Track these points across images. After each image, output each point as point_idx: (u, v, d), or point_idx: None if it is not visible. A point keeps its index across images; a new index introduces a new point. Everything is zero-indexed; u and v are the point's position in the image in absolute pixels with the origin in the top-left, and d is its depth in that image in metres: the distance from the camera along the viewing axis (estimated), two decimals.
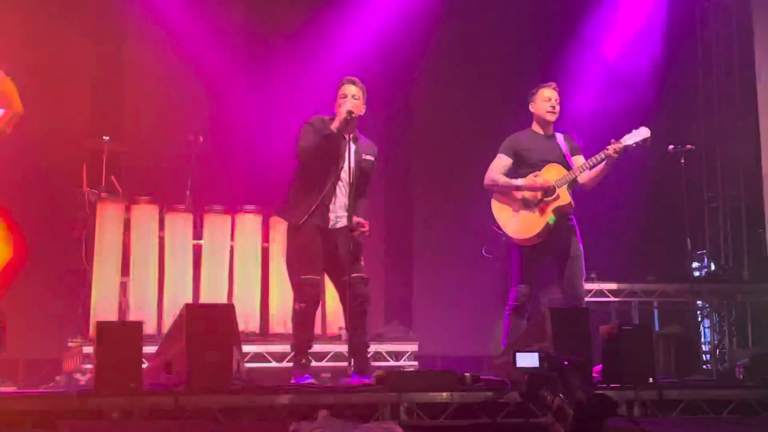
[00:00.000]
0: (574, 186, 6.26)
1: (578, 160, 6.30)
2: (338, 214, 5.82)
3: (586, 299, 8.38)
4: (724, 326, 9.53)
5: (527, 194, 6.20)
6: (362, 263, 5.90)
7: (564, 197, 6.15)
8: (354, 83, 5.91)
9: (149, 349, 5.72)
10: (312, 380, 5.70)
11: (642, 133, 6.13)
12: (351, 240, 5.74)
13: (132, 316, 7.03)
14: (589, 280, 8.48)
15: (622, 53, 9.62)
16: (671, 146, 6.84)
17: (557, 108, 6.32)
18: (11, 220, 5.81)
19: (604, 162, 6.14)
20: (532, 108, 6.40)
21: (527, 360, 4.26)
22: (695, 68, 9.99)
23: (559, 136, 6.39)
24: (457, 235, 9.73)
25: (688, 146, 6.86)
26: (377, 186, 9.34)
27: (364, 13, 9.42)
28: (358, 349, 5.82)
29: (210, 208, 7.56)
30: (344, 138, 5.80)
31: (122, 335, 4.92)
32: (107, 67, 9.13)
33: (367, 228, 5.81)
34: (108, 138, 7.93)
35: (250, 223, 7.60)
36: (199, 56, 9.23)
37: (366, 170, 5.94)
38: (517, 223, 6.21)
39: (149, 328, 6.86)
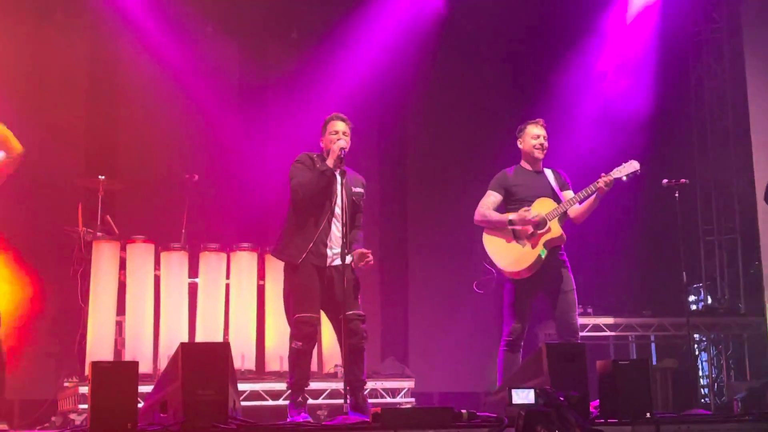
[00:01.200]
0: (564, 220, 6.29)
1: (568, 194, 6.35)
2: (334, 250, 5.81)
3: (582, 334, 8.42)
4: (721, 360, 9.53)
5: (518, 228, 6.23)
6: (359, 301, 5.90)
7: (555, 230, 6.19)
8: (343, 120, 5.97)
9: (145, 388, 5.68)
10: (308, 418, 5.67)
11: (631, 166, 6.19)
12: (348, 277, 5.74)
13: (127, 355, 7.02)
14: (585, 314, 8.51)
15: (615, 88, 9.67)
16: (665, 180, 6.86)
17: (545, 145, 6.39)
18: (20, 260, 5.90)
19: (594, 195, 6.19)
20: (520, 144, 6.46)
21: (523, 396, 4.25)
22: (688, 102, 10.07)
23: (548, 172, 6.44)
24: (452, 272, 9.74)
25: (682, 180, 6.87)
26: (372, 224, 9.42)
27: (357, 52, 9.48)
28: (354, 387, 5.79)
29: (205, 246, 7.56)
30: (334, 173, 5.84)
31: (117, 375, 4.88)
32: (102, 106, 9.15)
33: (371, 257, 5.81)
34: (103, 177, 7.95)
35: (245, 260, 7.60)
36: (195, 94, 9.27)
37: (357, 202, 5.98)
38: (508, 257, 6.23)
39: (145, 367, 6.82)
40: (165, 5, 8.97)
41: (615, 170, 6.18)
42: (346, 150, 5.88)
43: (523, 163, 6.46)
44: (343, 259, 5.68)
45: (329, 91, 9.17)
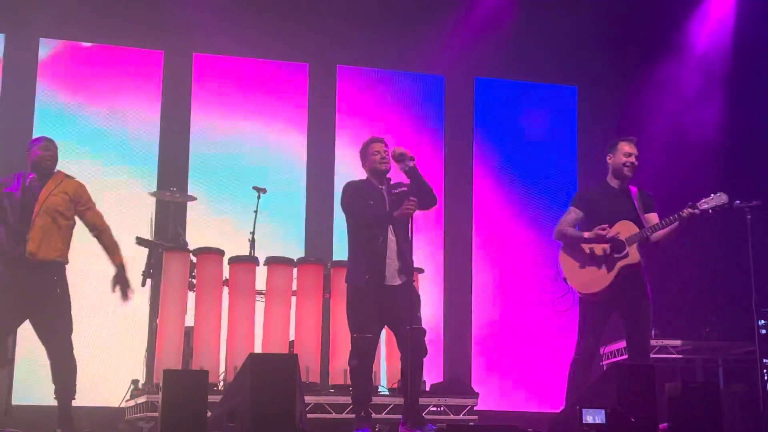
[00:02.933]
0: (645, 243, 6.20)
1: (651, 217, 6.27)
2: (394, 266, 5.90)
3: (651, 355, 8.31)
4: None
5: (596, 248, 6.17)
6: (420, 315, 5.98)
7: (633, 255, 6.10)
8: (382, 141, 6.15)
9: (213, 398, 5.75)
10: None
11: (720, 198, 6.09)
12: (409, 293, 5.85)
13: (195, 365, 7.09)
14: (652, 336, 8.40)
15: (690, 107, 9.58)
16: (737, 201, 6.75)
17: (635, 164, 6.31)
18: None
19: (677, 224, 6.10)
20: (609, 160, 6.39)
21: (594, 416, 4.22)
22: (759, 123, 9.91)
23: (634, 191, 6.36)
24: (517, 288, 9.72)
25: (755, 202, 6.76)
26: (437, 240, 9.46)
27: None
28: (410, 401, 5.88)
29: (273, 258, 7.62)
30: (380, 190, 6.03)
31: (188, 384, 4.98)
32: (174, 122, 9.32)
33: (411, 206, 5.85)
34: (175, 190, 8.11)
35: (312, 274, 7.64)
36: (264, 109, 9.45)
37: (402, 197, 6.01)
38: (584, 277, 6.19)
39: (212, 377, 6.90)
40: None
41: (701, 201, 6.09)
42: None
43: (610, 179, 6.38)
44: (401, 275, 5.79)
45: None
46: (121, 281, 6.36)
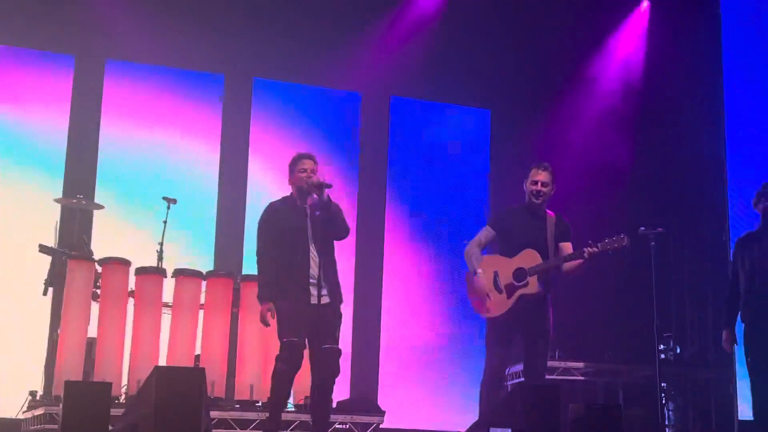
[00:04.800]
0: (550, 273, 6.36)
1: (565, 246, 6.41)
2: (314, 287, 5.86)
3: (552, 376, 8.45)
4: (687, 410, 9.56)
5: (500, 275, 6.30)
6: (337, 335, 5.98)
7: (533, 285, 6.26)
8: (312, 158, 6.09)
9: (115, 411, 5.62)
10: None
11: (620, 241, 6.23)
12: (327, 315, 5.83)
13: (97, 377, 6.92)
14: (555, 357, 8.57)
15: (597, 138, 9.80)
16: (642, 228, 6.91)
17: (543, 191, 6.38)
18: None
19: (579, 261, 6.26)
20: (525, 186, 6.49)
21: None
22: (668, 155, 10.19)
23: (551, 217, 6.47)
24: (425, 309, 9.77)
25: (659, 229, 6.93)
26: (348, 256, 9.45)
27: None
28: (319, 419, 5.90)
29: (181, 270, 7.50)
30: (303, 209, 5.98)
31: (90, 395, 4.85)
32: (83, 128, 9.13)
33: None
34: (81, 197, 7.93)
35: (221, 287, 7.54)
36: (174, 119, 9.33)
37: (326, 225, 5.99)
38: (485, 302, 6.33)
39: (115, 390, 6.74)
40: None
41: (602, 243, 6.22)
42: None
43: (528, 204, 6.48)
44: (326, 295, 5.79)
45: None
46: None
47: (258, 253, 6.07)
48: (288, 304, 5.89)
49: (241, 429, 7.00)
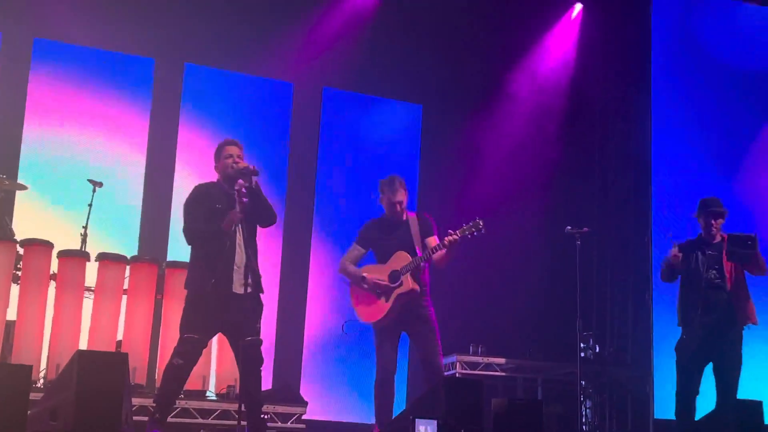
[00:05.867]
0: (421, 271, 6.61)
1: (431, 241, 6.66)
2: (240, 274, 5.82)
3: (475, 371, 8.55)
4: (605, 408, 9.74)
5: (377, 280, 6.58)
6: (259, 325, 5.93)
7: (406, 284, 6.52)
8: (236, 144, 6.08)
9: (34, 395, 5.50)
10: None
11: (477, 226, 6.47)
12: (248, 304, 5.80)
13: (15, 360, 6.77)
14: (478, 353, 8.67)
15: (525, 135, 9.91)
16: (568, 227, 7.02)
17: (403, 205, 6.71)
18: None
19: (444, 251, 6.49)
20: (383, 201, 6.80)
21: (426, 427, 4.28)
22: (594, 155, 10.36)
23: (412, 221, 6.75)
24: (348, 303, 9.77)
25: (585, 228, 7.05)
26: (275, 246, 9.41)
27: None
28: (252, 409, 5.83)
29: (105, 254, 7.39)
30: (230, 195, 5.89)
31: (8, 379, 4.73)
32: (8, 108, 8.90)
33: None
34: (4, 177, 7.75)
35: (145, 273, 7.45)
36: (104, 106, 9.16)
37: (253, 212, 5.95)
38: (367, 308, 6.61)
39: (34, 374, 6.61)
40: None
41: (460, 230, 6.47)
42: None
43: (390, 215, 6.78)
44: (248, 284, 5.73)
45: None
46: None
47: (186, 228, 5.96)
48: (201, 297, 5.82)
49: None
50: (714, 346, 6.92)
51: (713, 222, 7.02)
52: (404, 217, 6.74)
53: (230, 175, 5.96)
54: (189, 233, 5.94)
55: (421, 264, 6.57)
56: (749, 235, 6.91)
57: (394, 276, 6.55)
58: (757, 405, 6.11)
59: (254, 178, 5.85)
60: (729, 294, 6.90)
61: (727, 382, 6.85)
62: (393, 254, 6.62)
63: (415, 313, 6.55)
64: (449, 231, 6.46)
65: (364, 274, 6.62)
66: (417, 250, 6.62)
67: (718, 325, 6.91)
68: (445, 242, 6.44)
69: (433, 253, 6.53)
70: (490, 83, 10.09)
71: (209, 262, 5.83)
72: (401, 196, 6.71)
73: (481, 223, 6.46)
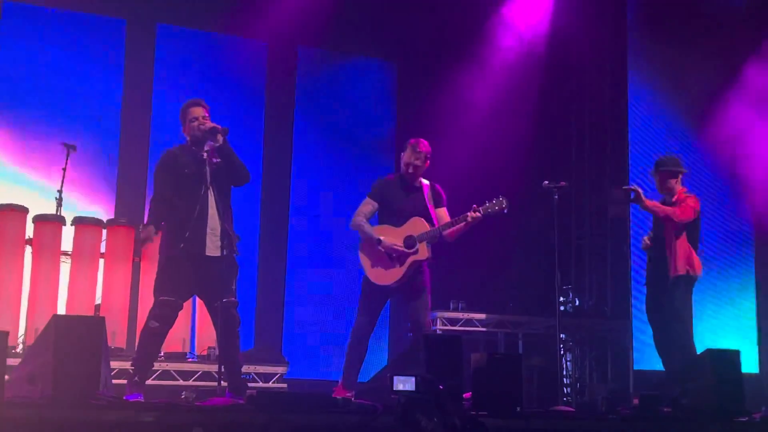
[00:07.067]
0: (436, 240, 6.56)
1: (441, 212, 6.61)
2: (214, 236, 5.78)
3: (455, 327, 8.58)
4: (585, 361, 9.82)
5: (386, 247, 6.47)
6: (234, 287, 5.92)
7: (422, 252, 6.47)
8: (200, 104, 5.99)
9: (11, 361, 5.48)
10: (141, 398, 5.61)
11: (500, 204, 6.47)
12: (223, 266, 5.76)
13: None
14: (458, 309, 8.70)
15: (503, 87, 9.87)
16: (546, 182, 7.01)
17: (415, 165, 6.54)
18: None
19: (463, 224, 6.45)
20: (402, 159, 6.65)
21: (404, 384, 4.29)
22: (569, 105, 10.35)
23: (426, 187, 6.65)
24: (332, 259, 9.77)
25: (562, 183, 7.03)
26: (253, 205, 9.37)
27: None
28: (231, 370, 5.83)
29: (81, 218, 7.34)
30: (200, 156, 5.82)
31: None
32: None
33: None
34: None
35: (122, 236, 7.42)
36: (76, 67, 9.04)
37: (224, 174, 5.90)
38: (379, 270, 6.49)
39: (11, 339, 6.59)
40: None
41: (483, 207, 6.45)
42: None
43: (404, 173, 6.64)
44: (222, 247, 5.70)
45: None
46: None
47: (154, 199, 5.93)
48: (172, 260, 5.79)
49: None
50: (655, 299, 7.15)
51: (668, 181, 7.11)
52: (417, 183, 6.64)
53: (198, 137, 5.88)
54: (153, 204, 5.93)
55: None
56: (627, 188, 7.03)
57: (410, 242, 6.45)
58: (734, 354, 6.15)
59: (220, 137, 5.78)
60: (663, 248, 7.03)
61: (667, 334, 6.99)
62: (408, 219, 6.50)
63: (416, 283, 6.50)
64: (474, 206, 6.39)
65: (381, 237, 6.46)
66: (433, 219, 6.54)
67: (653, 279, 7.19)
68: (468, 219, 6.38)
69: (452, 226, 6.46)
70: (465, 42, 9.99)
71: (180, 226, 5.78)
72: (417, 160, 6.53)
73: (505, 202, 6.44)
